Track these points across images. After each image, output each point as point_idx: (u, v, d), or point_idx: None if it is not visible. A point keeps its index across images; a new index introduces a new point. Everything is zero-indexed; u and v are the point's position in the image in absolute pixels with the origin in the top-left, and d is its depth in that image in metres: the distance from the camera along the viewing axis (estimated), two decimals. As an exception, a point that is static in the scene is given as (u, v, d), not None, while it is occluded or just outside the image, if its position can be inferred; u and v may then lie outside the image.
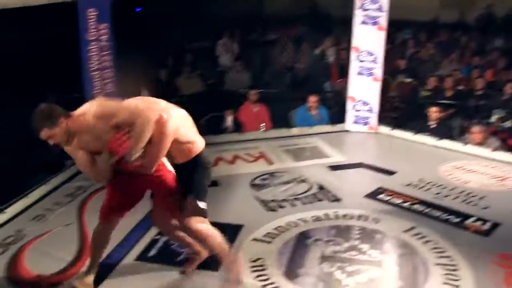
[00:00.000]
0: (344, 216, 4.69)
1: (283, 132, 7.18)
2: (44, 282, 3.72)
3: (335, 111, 7.66)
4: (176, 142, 3.29)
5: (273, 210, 4.87)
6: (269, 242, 4.25)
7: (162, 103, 3.33)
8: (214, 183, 5.45)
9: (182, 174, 3.47)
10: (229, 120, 7.13)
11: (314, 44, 9.16)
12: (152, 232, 4.42)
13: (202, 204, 3.49)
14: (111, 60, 6.12)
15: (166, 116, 3.18)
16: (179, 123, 3.33)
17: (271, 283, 3.69)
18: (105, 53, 6.02)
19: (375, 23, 6.85)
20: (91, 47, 5.88)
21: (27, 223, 4.64)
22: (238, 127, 7.15)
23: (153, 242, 4.28)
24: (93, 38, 5.86)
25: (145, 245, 4.23)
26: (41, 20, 5.47)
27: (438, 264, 3.92)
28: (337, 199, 5.07)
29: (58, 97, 6.70)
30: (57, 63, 6.14)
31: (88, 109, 3.15)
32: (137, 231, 4.44)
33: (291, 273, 3.81)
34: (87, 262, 3.80)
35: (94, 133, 3.12)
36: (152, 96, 7.46)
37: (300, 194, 5.20)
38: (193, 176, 3.45)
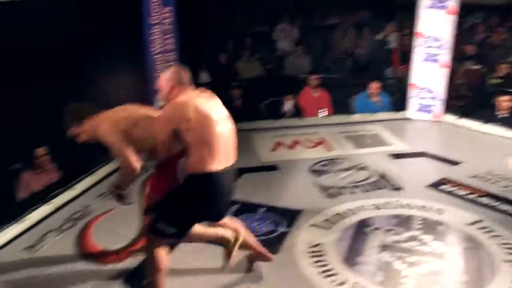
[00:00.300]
0: (406, 205, 4.60)
1: (344, 118, 7.10)
2: (109, 256, 3.84)
3: (397, 98, 7.49)
4: (191, 136, 2.92)
5: (332, 196, 4.83)
6: (328, 229, 4.23)
7: (213, 115, 2.98)
8: (274, 168, 5.50)
9: (179, 187, 3.05)
10: (288, 105, 7.10)
11: (376, 30, 8.94)
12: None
13: (163, 227, 3.01)
14: (174, 43, 6.19)
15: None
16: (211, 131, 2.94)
17: (329, 270, 3.67)
18: (168, 36, 6.10)
19: (443, 7, 6.62)
20: (154, 31, 5.97)
21: (93, 200, 4.82)
22: (298, 112, 7.11)
23: (213, 224, 4.34)
24: (157, 21, 5.94)
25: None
26: (106, 2, 5.59)
27: (507, 261, 3.77)
28: (398, 188, 4.97)
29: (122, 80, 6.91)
30: (120, 45, 6.29)
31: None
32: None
33: (349, 260, 3.78)
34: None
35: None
36: (212, 79, 7.63)
37: (360, 181, 5.14)
38: (178, 194, 3.02)
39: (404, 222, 4.31)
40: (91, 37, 5.46)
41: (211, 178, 2.93)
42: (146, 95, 6.12)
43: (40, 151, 4.83)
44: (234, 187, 3.22)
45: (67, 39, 5.04)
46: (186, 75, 3.12)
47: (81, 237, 4.16)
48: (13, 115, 4.51)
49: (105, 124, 3.09)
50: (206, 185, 2.95)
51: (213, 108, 3.03)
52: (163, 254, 3.14)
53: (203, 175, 2.91)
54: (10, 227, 4.23)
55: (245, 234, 3.47)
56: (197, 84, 6.99)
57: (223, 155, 2.99)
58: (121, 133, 3.07)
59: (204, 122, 2.92)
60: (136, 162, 3.07)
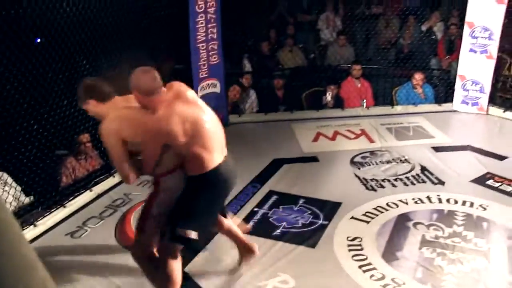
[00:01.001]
0: (448, 200, 4.45)
1: (386, 109, 6.93)
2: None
3: (442, 89, 7.27)
4: (185, 147, 2.84)
5: (373, 189, 4.73)
6: (368, 222, 4.14)
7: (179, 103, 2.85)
8: (314, 159, 5.43)
9: (184, 190, 2.97)
10: (328, 96, 6.98)
11: (421, 19, 8.68)
12: (252, 204, 4.49)
13: (191, 233, 2.93)
14: (217, 32, 6.16)
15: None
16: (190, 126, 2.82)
17: (368, 264, 3.60)
18: (212, 25, 6.08)
19: (494, -4, 6.35)
20: (199, 19, 5.96)
21: (133, 188, 4.82)
22: (340, 102, 6.99)
23: (251, 214, 4.33)
24: (201, 10, 5.92)
25: (243, 217, 4.27)
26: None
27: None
28: (440, 182, 4.82)
29: (168, 66, 6.95)
30: (166, 33, 6.32)
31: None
32: (235, 203, 4.50)
33: (389, 255, 3.69)
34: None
35: None
36: (253, 68, 7.58)
37: (401, 174, 5.01)
38: (188, 198, 2.96)
39: (446, 217, 4.17)
40: (137, 24, 5.53)
41: (216, 173, 2.93)
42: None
43: (84, 137, 4.90)
44: (235, 172, 3.13)
45: (111, 26, 5.11)
46: (149, 80, 2.78)
47: (121, 224, 4.21)
48: (57, 101, 4.60)
49: (111, 126, 2.77)
50: (213, 181, 2.95)
51: (194, 109, 2.90)
52: (179, 268, 3.06)
53: (206, 173, 2.90)
54: (54, 213, 4.32)
55: (232, 225, 3.47)
56: (240, 72, 7.13)
57: (218, 148, 2.97)
58: (122, 142, 2.78)
59: (194, 129, 2.83)
60: (131, 177, 2.86)
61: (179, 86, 3.00)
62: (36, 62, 4.35)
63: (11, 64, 4.12)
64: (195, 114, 2.87)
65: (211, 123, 2.94)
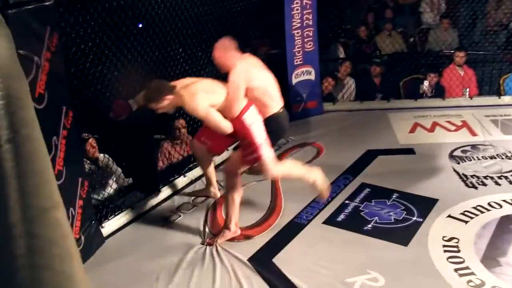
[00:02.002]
0: (560, 203, 4.10)
1: (492, 100, 6.50)
2: (240, 233, 3.92)
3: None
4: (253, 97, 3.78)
5: (473, 186, 4.47)
6: (466, 222, 3.92)
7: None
8: (411, 151, 5.22)
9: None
10: (425, 84, 6.62)
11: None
12: (343, 196, 4.41)
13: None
14: (313, 19, 6.06)
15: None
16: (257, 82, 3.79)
17: (466, 268, 3.40)
18: (308, 11, 5.99)
19: None
20: (295, 5, 5.90)
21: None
22: (440, 91, 6.65)
23: (342, 206, 4.26)
24: (297, -5, 5.86)
25: (334, 209, 4.23)
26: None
27: None
28: (552, 182, 4.45)
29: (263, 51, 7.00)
30: (262, 19, 6.35)
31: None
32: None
33: (490, 260, 3.46)
34: (278, 218, 4.06)
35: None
36: (351, 54, 7.42)
37: (507, 172, 4.68)
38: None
39: (556, 221, 3.85)
40: (231, 10, 5.61)
41: (277, 117, 3.89)
42: (284, 69, 6.14)
43: (180, 123, 5.04)
44: (288, 121, 4.07)
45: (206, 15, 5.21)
46: (234, 43, 3.77)
47: (212, 212, 4.30)
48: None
49: (196, 98, 3.64)
50: (276, 123, 3.88)
51: (261, 66, 3.91)
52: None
53: (271, 116, 3.85)
54: (150, 197, 4.50)
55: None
56: (336, 59, 6.99)
57: (277, 99, 3.91)
58: (209, 105, 3.69)
59: (262, 78, 3.83)
60: (229, 125, 3.74)
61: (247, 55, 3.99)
62: (137, 48, 4.54)
63: (116, 49, 4.31)
64: (261, 68, 3.91)
65: (270, 78, 3.90)
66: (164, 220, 4.25)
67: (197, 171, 4.94)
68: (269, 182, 4.69)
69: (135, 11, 4.47)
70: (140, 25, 4.73)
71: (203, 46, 5.34)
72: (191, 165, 4.97)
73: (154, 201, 4.49)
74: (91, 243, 3.72)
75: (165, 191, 4.63)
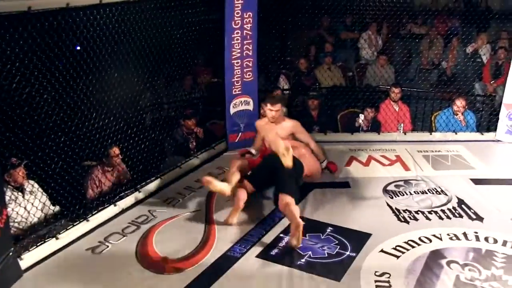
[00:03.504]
0: (487, 238, 4.22)
1: (424, 135, 6.72)
2: (169, 265, 3.82)
3: (485, 117, 6.99)
4: None
5: (405, 221, 4.54)
6: (397, 257, 3.96)
7: None
8: (346, 185, 5.28)
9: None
10: (361, 118, 6.77)
11: (466, 41, 8.40)
12: (278, 229, 4.39)
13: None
14: (253, 49, 6.10)
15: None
16: None
17: (396, 304, 3.42)
18: (248, 41, 6.02)
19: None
20: (235, 35, 5.91)
21: (158, 205, 4.83)
22: (376, 126, 6.81)
23: (277, 240, 4.22)
24: (238, 26, 5.88)
25: (268, 242, 4.19)
26: (192, 6, 5.69)
27: None
28: (479, 218, 4.58)
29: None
30: (206, 46, 6.36)
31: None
32: (261, 227, 4.42)
33: (419, 296, 3.51)
34: (211, 251, 3.98)
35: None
36: (290, 84, 7.52)
37: (436, 207, 4.80)
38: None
39: (484, 257, 3.95)
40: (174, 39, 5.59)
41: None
42: (222, 100, 6.13)
43: (115, 150, 4.90)
44: None
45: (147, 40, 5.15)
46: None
47: (144, 242, 4.16)
48: (87, 114, 4.63)
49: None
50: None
51: None
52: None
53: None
54: (77, 226, 4.31)
55: None
56: (277, 89, 7.05)
57: None
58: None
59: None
60: None
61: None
62: (71, 71, 4.40)
63: (41, 75, 4.15)
64: None
65: None
66: (91, 251, 4.06)
67: (128, 200, 4.80)
68: (203, 212, 4.66)
69: (70, 32, 4.34)
70: (78, 48, 4.60)
71: (142, 71, 5.28)
72: (122, 193, 4.82)
73: (81, 230, 4.29)
74: (6, 277, 3.49)
75: (94, 220, 4.44)
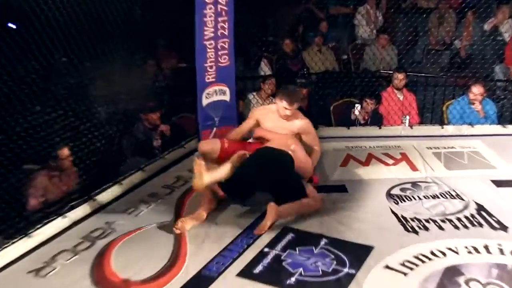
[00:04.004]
0: None
1: (434, 129, 6.83)
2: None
3: (507, 106, 7.12)
4: None
5: (414, 231, 4.58)
6: (406, 274, 3.99)
7: None
8: (342, 188, 5.32)
9: None
10: (358, 108, 6.83)
11: (484, 15, 8.51)
12: (262, 242, 4.39)
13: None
14: (229, 28, 6.09)
15: None
16: None
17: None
18: (223, 18, 6.01)
19: None
20: (208, 11, 5.89)
21: (118, 216, 4.80)
22: (377, 119, 6.87)
23: (261, 256, 4.22)
24: (210, 0, 5.86)
25: (251, 258, 4.18)
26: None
27: None
28: (503, 227, 4.62)
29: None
30: (170, 26, 6.35)
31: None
32: (242, 240, 4.41)
33: (432, 320, 3.56)
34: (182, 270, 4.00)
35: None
36: (273, 70, 7.55)
37: (451, 214, 4.85)
38: None
39: (509, 275, 3.98)
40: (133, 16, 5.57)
41: None
42: (193, 89, 6.11)
43: (64, 151, 4.87)
44: None
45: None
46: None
47: (100, 261, 4.13)
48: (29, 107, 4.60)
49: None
50: None
51: None
52: None
53: None
54: (16, 244, 4.27)
55: None
56: (256, 77, 7.09)
57: None
58: None
59: None
60: None
61: None
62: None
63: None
64: None
65: None
66: (34, 273, 4.01)
67: (80, 211, 4.78)
68: (172, 223, 4.64)
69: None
70: (12, 25, 4.56)
71: (92, 53, 5.24)
72: (73, 203, 4.79)
73: (21, 248, 4.25)
74: None
75: (37, 236, 4.41)
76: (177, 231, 4.41)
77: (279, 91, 5.41)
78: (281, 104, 5.19)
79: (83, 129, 5.11)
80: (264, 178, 4.67)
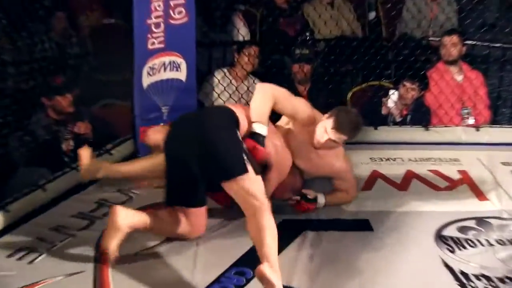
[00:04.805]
0: None
1: (512, 132, 6.86)
2: None
3: None
4: None
5: (478, 294, 4.59)
6: None
7: None
8: (364, 225, 5.38)
9: None
10: (392, 98, 6.85)
11: None
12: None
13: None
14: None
15: None
16: None
17: None
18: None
19: None
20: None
21: (2, 262, 4.75)
22: (420, 114, 6.89)
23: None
24: None
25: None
26: None
27: None
28: None
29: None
30: None
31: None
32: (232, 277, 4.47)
33: None
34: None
35: None
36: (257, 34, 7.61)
37: (538, 270, 4.87)
38: None
39: None
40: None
41: None
42: (127, 61, 6.23)
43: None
44: None
45: None
46: None
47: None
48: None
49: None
50: None
51: None
52: None
53: None
54: None
55: None
56: (230, 42, 7.13)
57: None
58: None
59: None
60: None
61: None
62: None
63: None
64: None
65: None
66: None
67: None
68: (89, 273, 4.61)
69: None
70: None
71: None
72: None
73: None
74: None
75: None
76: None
77: (335, 113, 5.35)
78: (336, 136, 5.30)
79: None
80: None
